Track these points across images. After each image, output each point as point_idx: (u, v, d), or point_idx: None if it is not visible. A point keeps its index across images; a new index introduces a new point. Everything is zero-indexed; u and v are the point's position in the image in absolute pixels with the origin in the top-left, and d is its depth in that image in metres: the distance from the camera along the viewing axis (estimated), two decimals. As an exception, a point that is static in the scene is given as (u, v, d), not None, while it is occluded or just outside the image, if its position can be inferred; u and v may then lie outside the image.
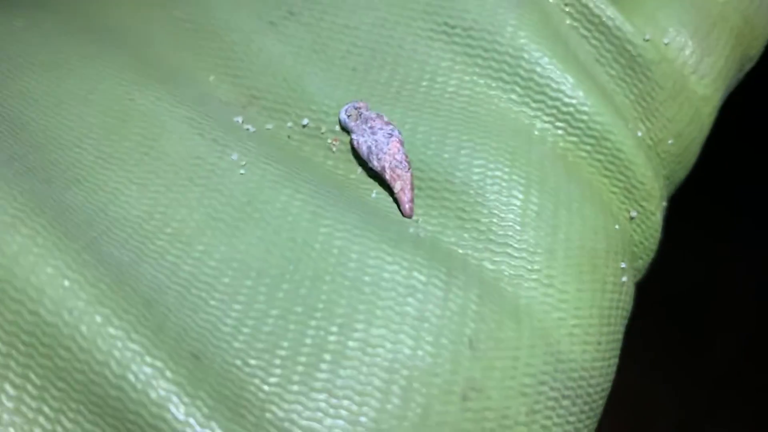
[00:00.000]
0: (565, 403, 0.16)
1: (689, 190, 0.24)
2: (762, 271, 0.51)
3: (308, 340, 0.15)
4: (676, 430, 0.48)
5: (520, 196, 0.18)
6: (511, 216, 0.17)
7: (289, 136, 0.19)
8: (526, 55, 0.19)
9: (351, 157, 0.19)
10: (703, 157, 0.22)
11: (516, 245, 0.17)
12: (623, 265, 0.18)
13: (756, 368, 0.48)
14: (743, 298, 0.51)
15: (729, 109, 0.24)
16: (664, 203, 0.20)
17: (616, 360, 0.18)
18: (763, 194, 0.52)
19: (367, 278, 0.16)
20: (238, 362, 0.15)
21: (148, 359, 0.14)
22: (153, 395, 0.14)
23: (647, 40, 0.20)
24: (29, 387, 0.14)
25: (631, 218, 0.20)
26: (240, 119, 0.19)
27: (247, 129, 0.19)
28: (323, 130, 0.19)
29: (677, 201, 0.23)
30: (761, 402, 0.47)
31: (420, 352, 0.15)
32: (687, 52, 0.21)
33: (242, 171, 0.18)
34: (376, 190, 0.18)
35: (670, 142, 0.21)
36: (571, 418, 0.17)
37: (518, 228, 0.17)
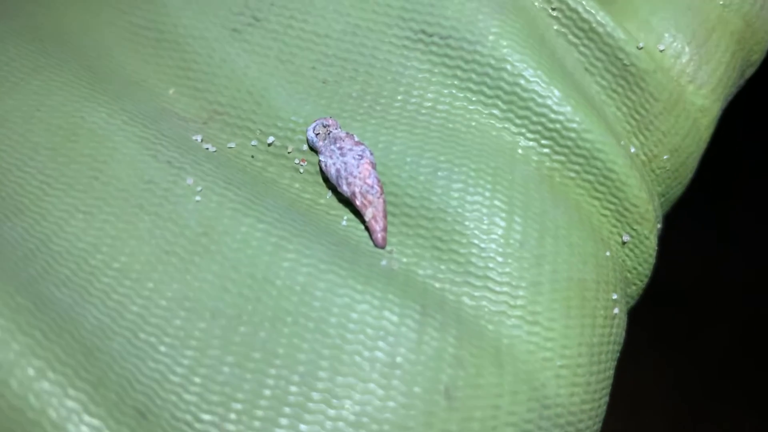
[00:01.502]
0: None
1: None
2: (756, 264, 0.50)
3: (267, 392, 0.14)
4: (671, 425, 0.47)
5: (502, 224, 0.16)
6: (493, 246, 0.16)
7: (252, 156, 0.18)
8: (508, 66, 0.18)
9: (320, 179, 0.17)
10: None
11: (497, 278, 0.16)
12: (615, 296, 0.17)
13: (751, 362, 0.48)
14: (737, 291, 0.50)
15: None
16: (659, 225, 0.19)
17: (607, 400, 0.17)
18: (762, 187, 0.51)
19: (333, 319, 0.15)
20: (189, 417, 0.13)
21: (86, 418, 0.13)
22: None
23: (641, 48, 0.18)
24: None
25: (624, 243, 0.18)
26: (199, 138, 0.18)
27: (207, 149, 0.18)
28: (290, 149, 0.18)
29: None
30: (757, 396, 0.46)
31: (391, 404, 0.14)
32: (684, 59, 0.19)
33: (198, 198, 0.16)
34: (346, 217, 0.17)
35: (665, 157, 0.19)
36: None
37: (500, 259, 0.16)
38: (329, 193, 0.17)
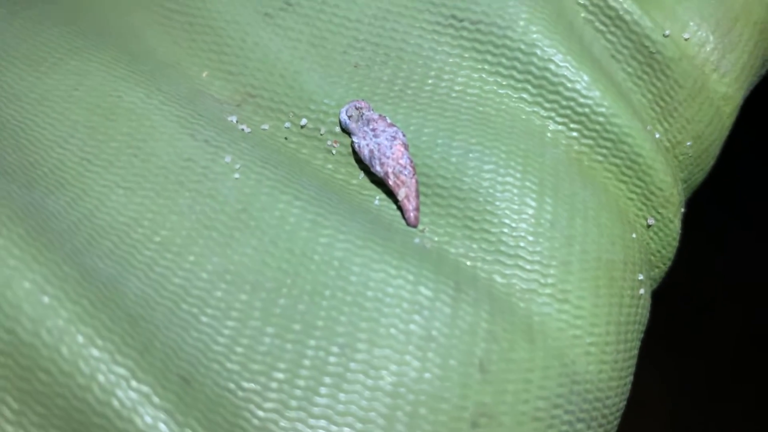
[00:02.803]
0: (580, 426, 0.15)
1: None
2: (754, 262, 0.50)
3: (307, 362, 0.14)
4: (672, 426, 0.47)
5: (533, 204, 0.16)
6: (524, 225, 0.16)
7: (286, 138, 0.18)
8: (538, 51, 0.18)
9: (352, 160, 0.18)
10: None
11: (528, 257, 0.16)
12: (641, 276, 0.17)
13: (755, 362, 0.48)
14: (737, 288, 0.50)
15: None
16: (683, 209, 0.19)
17: (632, 378, 0.17)
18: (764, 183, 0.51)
19: (369, 293, 0.15)
20: (232, 386, 0.14)
21: (134, 384, 0.13)
22: (139, 423, 0.13)
23: (667, 36, 0.19)
24: (6, 411, 0.13)
25: (648, 226, 0.19)
26: (234, 119, 0.18)
27: (242, 129, 0.18)
28: (322, 131, 0.18)
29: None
30: (756, 393, 0.47)
31: (427, 375, 0.14)
32: (708, 48, 0.19)
33: (237, 175, 0.17)
34: (378, 197, 0.17)
35: (688, 144, 0.19)
36: None
37: (531, 238, 0.16)
38: (361, 174, 0.18)
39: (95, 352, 0.13)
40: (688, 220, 0.20)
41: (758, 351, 0.48)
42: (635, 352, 0.17)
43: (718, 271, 0.51)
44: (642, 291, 0.17)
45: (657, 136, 0.19)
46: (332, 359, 0.14)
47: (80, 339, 0.13)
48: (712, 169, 0.21)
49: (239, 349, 0.14)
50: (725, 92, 0.20)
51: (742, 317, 0.49)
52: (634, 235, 0.18)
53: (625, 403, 0.17)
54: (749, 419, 0.46)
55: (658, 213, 0.18)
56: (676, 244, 0.19)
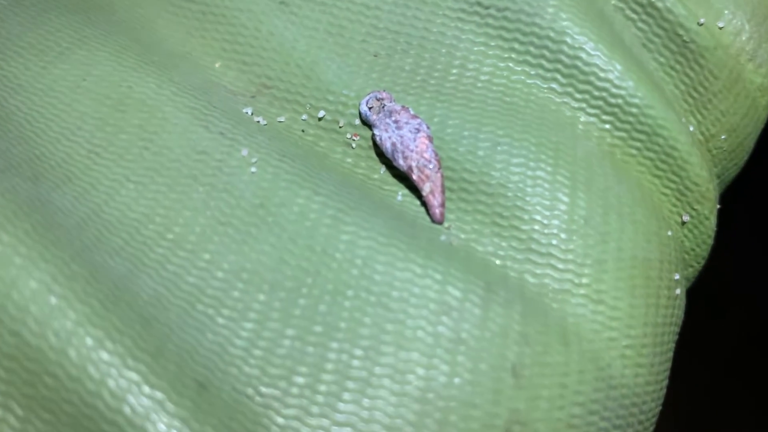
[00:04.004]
0: None
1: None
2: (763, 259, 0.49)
3: (329, 366, 0.13)
4: (674, 427, 0.47)
5: (566, 200, 0.16)
6: (556, 222, 0.15)
7: (303, 130, 0.17)
8: (568, 40, 0.17)
9: (373, 154, 0.17)
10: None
11: (561, 256, 0.15)
12: (677, 276, 0.16)
13: (759, 357, 0.47)
14: (741, 289, 0.49)
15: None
16: (718, 205, 0.18)
17: (667, 382, 0.16)
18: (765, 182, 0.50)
19: (395, 293, 0.14)
20: (250, 391, 0.13)
21: (146, 389, 0.12)
22: (152, 431, 0.12)
23: (701, 24, 0.18)
24: (11, 418, 0.13)
25: (683, 223, 0.18)
26: (249, 110, 0.17)
27: (258, 121, 0.17)
28: (341, 123, 0.17)
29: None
30: (762, 396, 0.46)
31: (457, 380, 0.13)
32: (744, 37, 0.19)
33: (253, 169, 0.16)
34: (401, 192, 0.16)
35: (723, 137, 0.19)
36: None
37: (564, 236, 0.15)
38: (383, 168, 0.17)
39: (105, 356, 0.12)
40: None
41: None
42: (671, 354, 0.16)
43: (726, 278, 0.50)
44: (678, 291, 0.16)
45: (691, 128, 0.18)
46: (356, 363, 0.13)
47: (89, 342, 0.12)
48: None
49: (258, 352, 0.13)
50: (761, 83, 0.19)
51: (752, 324, 0.48)
52: (669, 233, 0.17)
53: (660, 408, 0.16)
54: (758, 427, 0.45)
55: (693, 209, 0.18)
56: (711, 241, 0.18)
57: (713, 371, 0.47)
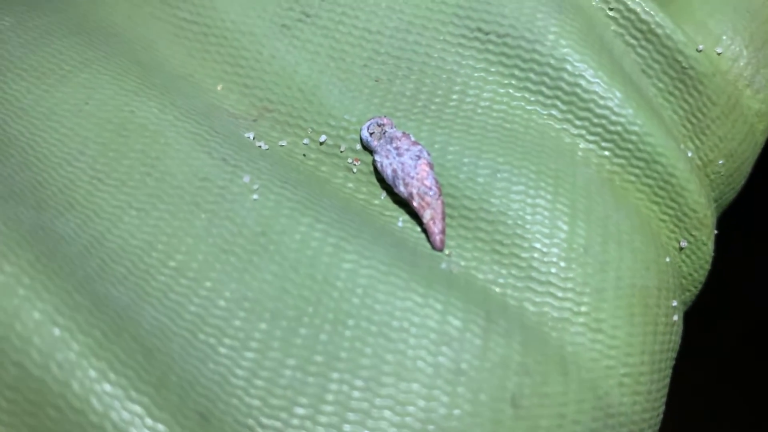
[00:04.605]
0: None
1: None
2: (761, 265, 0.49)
3: (330, 396, 0.13)
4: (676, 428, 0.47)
5: (565, 228, 0.16)
6: (555, 250, 0.15)
7: (304, 155, 0.17)
8: (569, 67, 0.17)
9: (374, 179, 0.17)
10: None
11: (561, 284, 0.15)
12: (674, 303, 0.17)
13: (755, 363, 0.47)
14: (743, 289, 0.49)
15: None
16: (715, 231, 0.18)
17: (664, 408, 0.16)
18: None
19: (395, 323, 0.14)
20: (251, 422, 0.13)
21: (149, 422, 0.12)
22: None
23: (700, 51, 0.18)
24: None
25: (681, 249, 0.18)
26: (251, 135, 0.17)
27: (259, 146, 0.17)
28: (343, 148, 0.17)
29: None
30: (760, 397, 0.46)
31: (456, 412, 0.13)
32: (741, 63, 0.19)
33: (255, 196, 0.16)
34: (402, 218, 0.16)
35: (720, 162, 0.19)
36: None
37: (563, 264, 0.15)
38: (383, 194, 0.17)
39: (108, 388, 0.13)
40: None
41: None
42: (667, 381, 0.17)
43: (749, 298, 0.50)
44: (675, 317, 0.17)
45: (689, 154, 0.18)
46: (356, 394, 0.14)
47: (92, 373, 0.13)
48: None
49: (259, 383, 0.14)
50: (759, 108, 0.19)
51: (748, 328, 0.48)
52: (668, 259, 0.17)
53: None
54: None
55: (691, 235, 0.18)
56: (708, 267, 0.18)
57: (707, 376, 0.48)
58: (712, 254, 0.18)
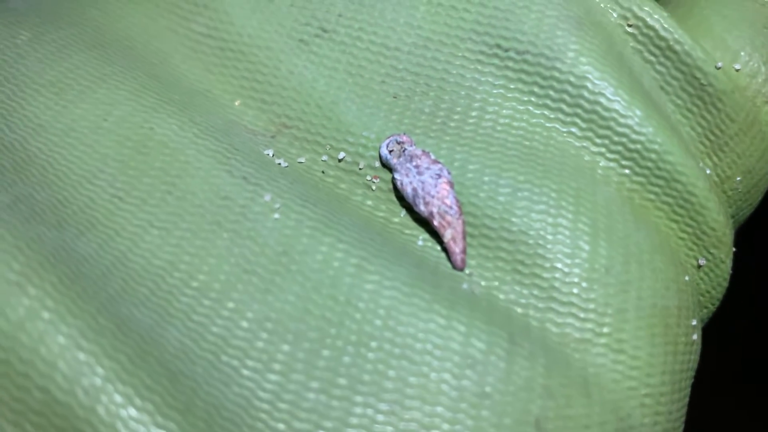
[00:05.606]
0: None
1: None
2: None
3: (354, 420, 0.13)
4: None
5: (587, 248, 0.16)
6: (577, 271, 0.15)
7: (323, 171, 0.17)
8: (589, 84, 0.17)
9: (393, 197, 0.17)
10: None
11: (583, 305, 0.15)
12: (694, 322, 0.17)
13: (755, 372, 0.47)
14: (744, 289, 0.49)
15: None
16: (734, 249, 0.18)
17: (683, 429, 0.16)
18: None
19: (418, 345, 0.14)
20: None
21: None
22: None
23: (719, 68, 0.18)
24: None
25: (699, 266, 0.18)
26: (270, 152, 0.17)
27: (279, 164, 0.17)
28: (361, 165, 0.17)
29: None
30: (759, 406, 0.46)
31: None
32: (760, 79, 0.19)
33: (276, 215, 0.16)
34: (422, 237, 0.16)
35: (738, 179, 0.19)
36: None
37: (585, 285, 0.15)
38: (403, 212, 0.17)
39: (134, 413, 0.13)
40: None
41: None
42: (686, 400, 0.17)
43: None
44: (695, 337, 0.17)
45: (707, 171, 0.18)
46: (380, 417, 0.14)
47: (118, 398, 0.13)
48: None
49: (283, 406, 0.14)
50: None
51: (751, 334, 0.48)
52: (687, 278, 0.17)
53: None
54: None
55: (710, 253, 0.18)
56: (726, 284, 0.18)
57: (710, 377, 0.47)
58: (730, 272, 0.18)
